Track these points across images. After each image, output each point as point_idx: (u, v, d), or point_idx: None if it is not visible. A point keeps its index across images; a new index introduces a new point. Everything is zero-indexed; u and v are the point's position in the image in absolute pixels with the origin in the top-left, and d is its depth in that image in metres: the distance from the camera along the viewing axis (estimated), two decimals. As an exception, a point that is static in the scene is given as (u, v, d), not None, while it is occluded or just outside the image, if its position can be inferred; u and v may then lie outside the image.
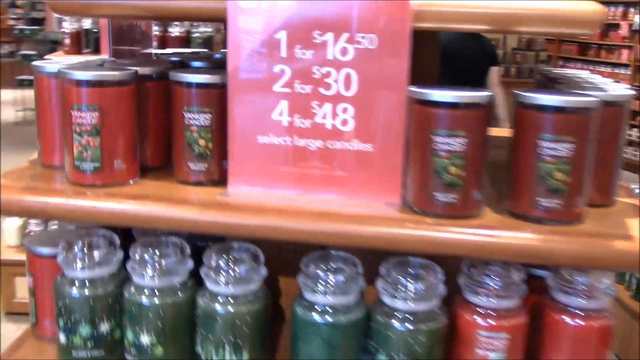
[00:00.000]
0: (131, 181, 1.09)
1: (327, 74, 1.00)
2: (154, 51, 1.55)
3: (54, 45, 6.62)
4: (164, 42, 3.64)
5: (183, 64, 1.28)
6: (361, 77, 0.99)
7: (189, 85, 1.06)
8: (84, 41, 3.75)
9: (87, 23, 3.79)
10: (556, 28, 0.94)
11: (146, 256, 1.08)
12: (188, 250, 1.11)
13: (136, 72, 1.07)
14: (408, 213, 0.99)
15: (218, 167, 1.09)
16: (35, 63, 1.16)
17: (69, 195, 1.02)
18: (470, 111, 0.94)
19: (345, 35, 0.98)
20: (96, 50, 3.71)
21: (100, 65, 1.19)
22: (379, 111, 1.00)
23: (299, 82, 1.01)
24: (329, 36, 0.99)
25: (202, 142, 1.07)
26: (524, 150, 0.96)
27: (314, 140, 1.03)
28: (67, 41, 3.71)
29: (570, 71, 1.36)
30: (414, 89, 0.97)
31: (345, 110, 1.01)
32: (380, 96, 0.99)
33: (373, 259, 1.07)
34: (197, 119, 1.06)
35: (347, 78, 1.00)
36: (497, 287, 1.04)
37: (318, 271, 1.05)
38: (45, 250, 1.20)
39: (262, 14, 1.00)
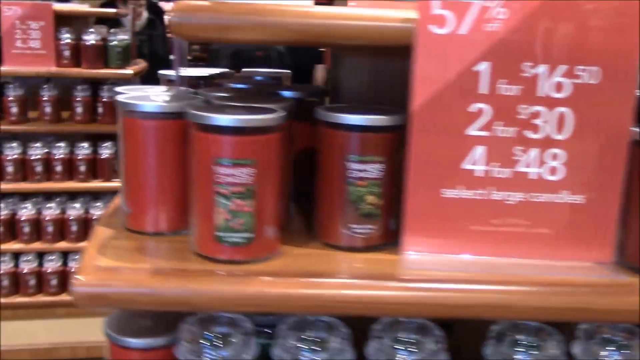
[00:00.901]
0: (274, 253, 0.85)
1: (536, 114, 0.83)
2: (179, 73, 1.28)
3: None
4: (77, 51, 3.25)
5: (276, 95, 1.05)
6: (578, 118, 0.83)
7: (353, 128, 0.84)
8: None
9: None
10: None
11: (303, 345, 0.85)
12: (346, 331, 0.89)
13: (286, 114, 0.84)
14: (632, 275, 0.85)
15: (384, 229, 0.88)
16: (122, 99, 0.89)
17: (231, 280, 0.77)
18: None
19: (563, 68, 0.82)
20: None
21: (209, 102, 0.93)
22: (595, 157, 0.84)
23: (501, 124, 0.83)
24: (542, 69, 0.82)
25: (370, 198, 0.86)
26: None
27: (514, 193, 0.86)
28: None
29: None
30: (642, 131, 0.83)
31: (555, 157, 0.84)
32: (599, 140, 0.84)
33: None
34: (366, 170, 0.85)
35: (561, 119, 0.83)
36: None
37: (512, 350, 0.88)
38: (140, 342, 0.91)
39: (460, 41, 0.81)
